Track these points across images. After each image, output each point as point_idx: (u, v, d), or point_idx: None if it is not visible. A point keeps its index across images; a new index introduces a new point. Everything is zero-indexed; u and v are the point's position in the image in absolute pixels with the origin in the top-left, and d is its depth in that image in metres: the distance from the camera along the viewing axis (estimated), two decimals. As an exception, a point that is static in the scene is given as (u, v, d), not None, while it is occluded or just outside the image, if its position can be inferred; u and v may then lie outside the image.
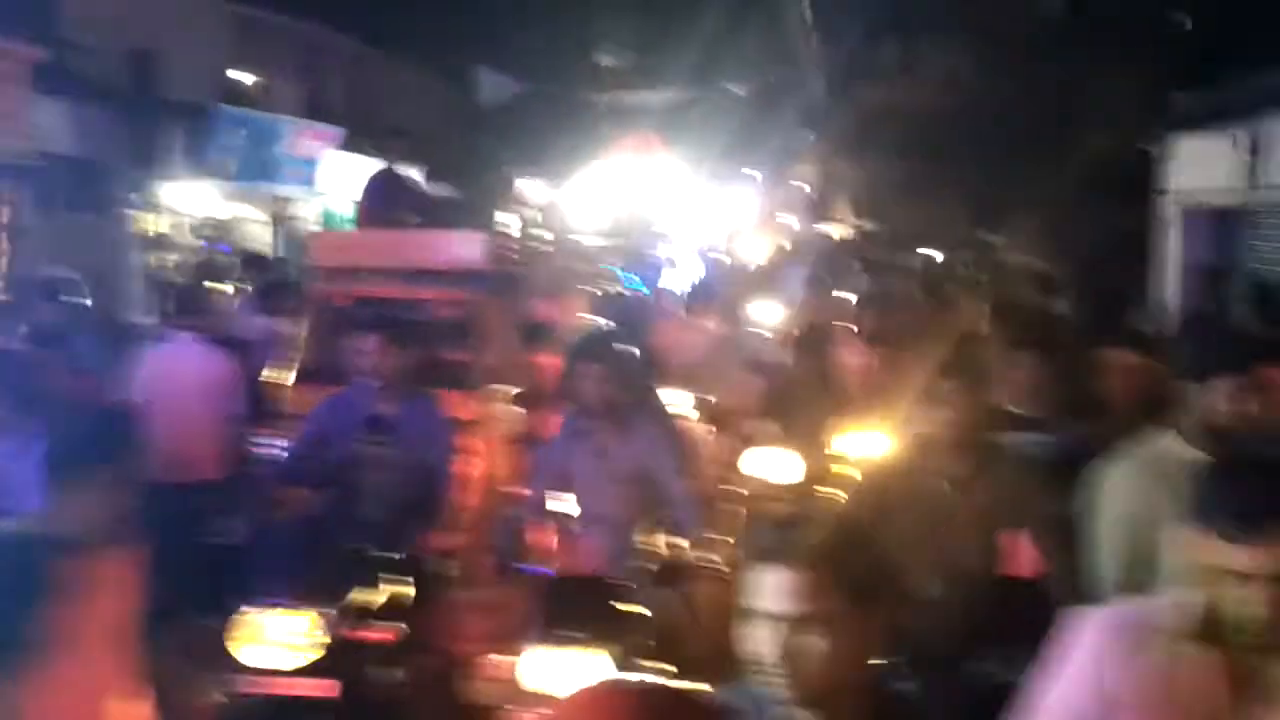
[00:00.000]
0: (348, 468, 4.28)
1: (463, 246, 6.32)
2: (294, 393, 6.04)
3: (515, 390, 6.19)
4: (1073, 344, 4.85)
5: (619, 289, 7.28)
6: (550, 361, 6.66)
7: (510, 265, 6.65)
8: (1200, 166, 8.34)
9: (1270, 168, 7.25)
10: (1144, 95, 11.92)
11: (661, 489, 4.20)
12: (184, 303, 6.74)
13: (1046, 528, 3.14)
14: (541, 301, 7.05)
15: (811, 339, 5.60)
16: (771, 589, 1.62)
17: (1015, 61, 19.53)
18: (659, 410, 5.00)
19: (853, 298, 8.67)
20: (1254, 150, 7.32)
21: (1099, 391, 3.68)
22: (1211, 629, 1.80)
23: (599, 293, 7.26)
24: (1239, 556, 1.71)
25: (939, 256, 17.21)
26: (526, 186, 19.59)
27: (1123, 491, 2.77)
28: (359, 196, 7.90)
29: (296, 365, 6.22)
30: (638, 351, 4.92)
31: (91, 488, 2.80)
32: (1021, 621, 3.11)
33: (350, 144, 15.49)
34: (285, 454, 4.81)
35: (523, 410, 6.19)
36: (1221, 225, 8.70)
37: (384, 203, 7.24)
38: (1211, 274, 8.25)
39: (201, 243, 13.53)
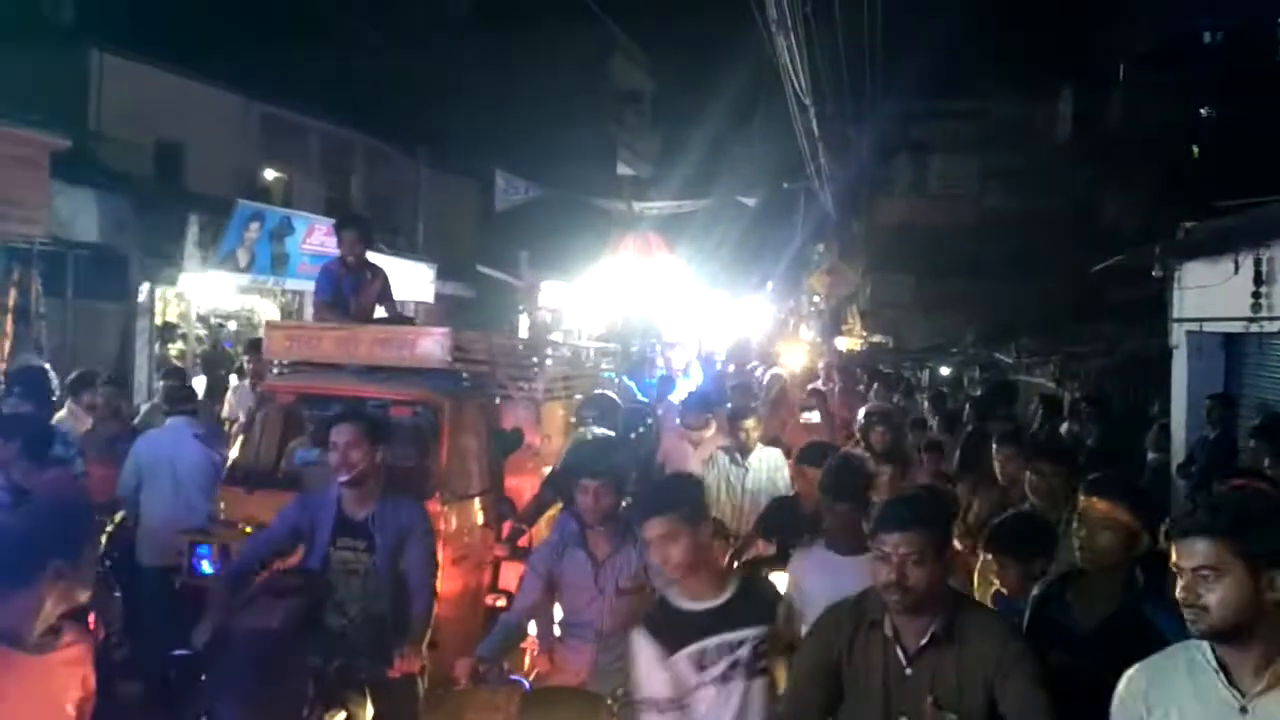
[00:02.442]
0: (317, 574, 4.09)
1: (423, 343, 5.91)
2: (230, 495, 5.66)
3: (479, 497, 5.86)
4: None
5: (613, 395, 7.05)
6: (523, 470, 6.37)
7: (478, 365, 6.28)
8: (1206, 293, 8.33)
9: (1274, 295, 7.23)
10: (1151, 220, 12.04)
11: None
12: (177, 392, 6.71)
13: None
14: (522, 405, 6.69)
15: (815, 456, 5.11)
16: None
17: (1025, 182, 19.91)
18: None
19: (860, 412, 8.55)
20: (1258, 277, 7.31)
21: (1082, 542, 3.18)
22: None
23: (591, 398, 6.99)
24: None
25: (948, 371, 17.18)
26: (543, 288, 19.80)
27: None
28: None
29: (232, 467, 5.89)
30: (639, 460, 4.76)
31: (39, 586, 2.74)
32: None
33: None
34: (243, 552, 4.55)
35: (491, 519, 5.85)
36: (1229, 352, 8.65)
37: (335, 293, 6.65)
38: (1219, 401, 8.15)
39: (204, 334, 13.61)
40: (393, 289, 7.04)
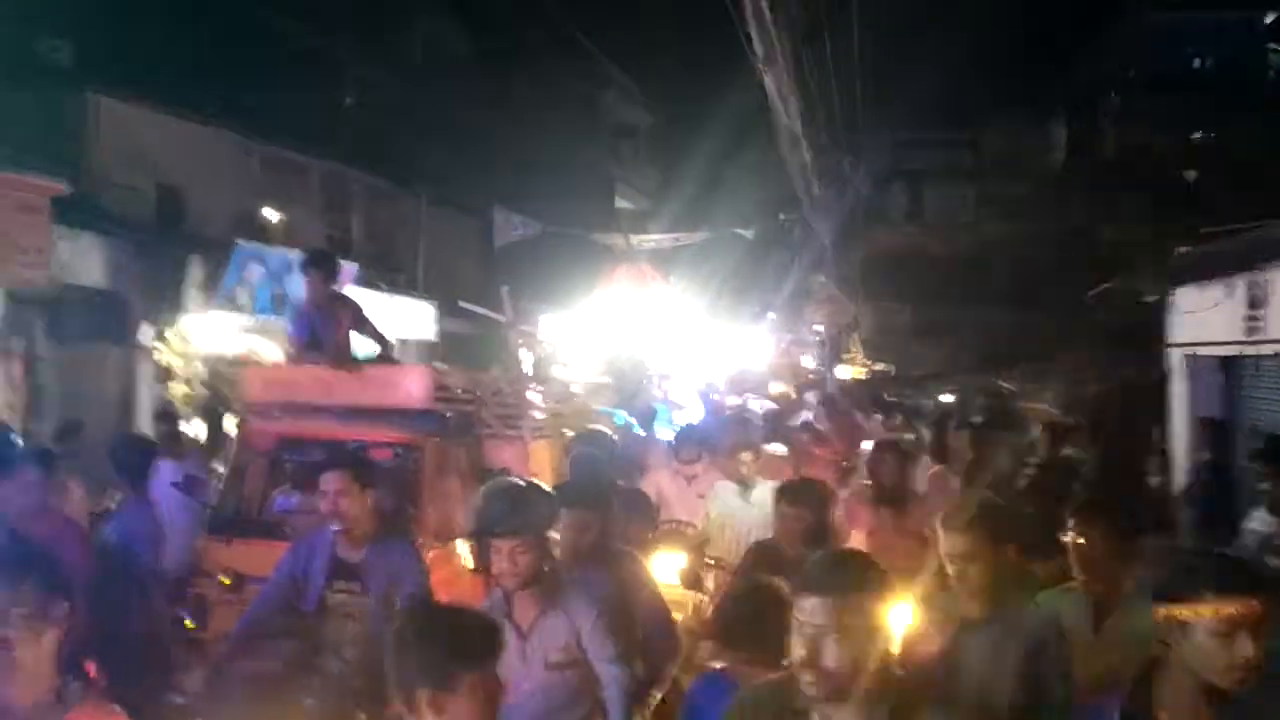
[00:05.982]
0: (312, 618, 4.08)
1: (404, 383, 5.85)
2: (208, 545, 5.56)
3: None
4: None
5: (606, 430, 6.92)
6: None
7: (462, 404, 6.17)
8: (1200, 316, 8.36)
9: (1268, 318, 7.25)
10: (1146, 245, 12.10)
11: (596, 676, 3.57)
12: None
13: None
14: (509, 445, 6.54)
15: (803, 493, 4.74)
16: None
17: (1021, 210, 20.02)
18: (620, 576, 4.21)
19: (867, 445, 8.31)
20: (1251, 302, 7.34)
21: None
22: None
23: (583, 434, 6.82)
24: None
25: (950, 398, 17.16)
26: (542, 324, 19.86)
27: None
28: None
29: (211, 514, 5.77)
30: (592, 507, 4.23)
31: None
32: None
33: (368, 280, 15.81)
34: (250, 610, 4.44)
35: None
36: (1225, 376, 8.66)
37: (309, 335, 6.46)
38: (1215, 426, 8.16)
39: (206, 376, 13.58)
40: (367, 315, 6.85)
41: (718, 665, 3.41)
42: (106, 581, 4.89)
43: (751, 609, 3.12)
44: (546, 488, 3.89)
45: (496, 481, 3.95)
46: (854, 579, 2.34)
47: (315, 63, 19.13)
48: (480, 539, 3.54)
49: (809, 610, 2.28)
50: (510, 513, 3.49)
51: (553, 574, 3.60)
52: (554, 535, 3.63)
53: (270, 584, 4.34)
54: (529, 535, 3.48)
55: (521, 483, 3.82)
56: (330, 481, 4.09)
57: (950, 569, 3.43)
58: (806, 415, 10.33)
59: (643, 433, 9.15)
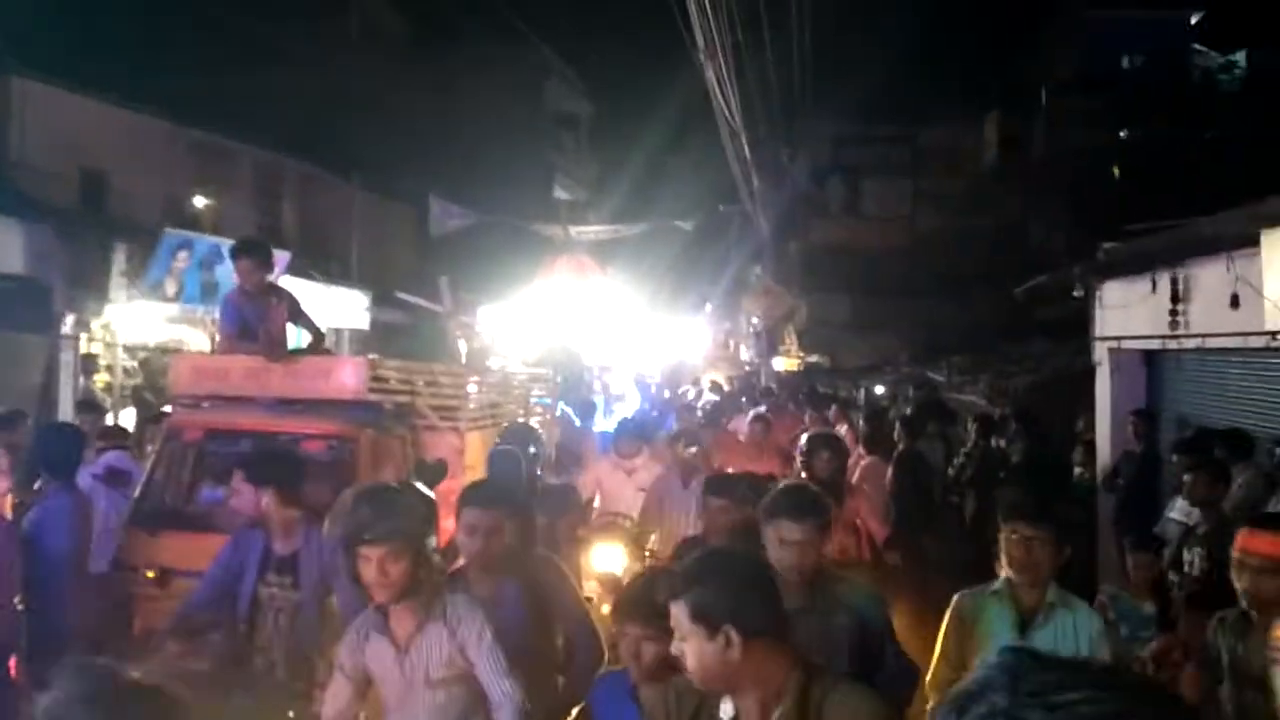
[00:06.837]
0: (243, 611, 4.04)
1: (339, 374, 5.77)
2: (132, 538, 5.44)
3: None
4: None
5: (522, 427, 6.79)
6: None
7: (398, 395, 6.10)
8: (1126, 311, 8.56)
9: (1189, 313, 7.45)
10: (1075, 240, 12.36)
11: (484, 692, 3.26)
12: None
13: None
14: (446, 435, 6.47)
15: (729, 485, 4.52)
16: None
17: (955, 205, 20.35)
18: (537, 583, 3.90)
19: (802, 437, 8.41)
20: (1174, 296, 7.53)
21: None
22: None
23: (509, 429, 6.63)
24: None
25: (883, 390, 17.40)
26: (480, 315, 19.76)
27: None
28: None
29: (135, 507, 5.66)
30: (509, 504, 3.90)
31: None
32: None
33: (300, 268, 15.55)
34: (189, 601, 4.36)
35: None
36: (1149, 368, 8.88)
37: (240, 324, 6.26)
38: (1143, 417, 8.37)
39: (130, 366, 13.26)
40: (303, 307, 6.68)
41: (620, 666, 3.28)
42: (30, 574, 4.76)
43: (649, 587, 3.03)
44: (424, 490, 3.64)
45: (364, 485, 3.76)
46: (690, 581, 2.33)
47: (248, 47, 18.77)
48: (348, 548, 3.22)
49: (672, 613, 2.32)
50: (378, 518, 3.17)
51: (432, 583, 3.31)
52: (431, 541, 3.30)
53: (208, 576, 4.26)
54: (399, 541, 3.14)
55: (393, 485, 3.65)
56: (234, 479, 4.13)
57: (773, 553, 3.41)
58: (760, 409, 10.42)
59: (579, 422, 9.14)
